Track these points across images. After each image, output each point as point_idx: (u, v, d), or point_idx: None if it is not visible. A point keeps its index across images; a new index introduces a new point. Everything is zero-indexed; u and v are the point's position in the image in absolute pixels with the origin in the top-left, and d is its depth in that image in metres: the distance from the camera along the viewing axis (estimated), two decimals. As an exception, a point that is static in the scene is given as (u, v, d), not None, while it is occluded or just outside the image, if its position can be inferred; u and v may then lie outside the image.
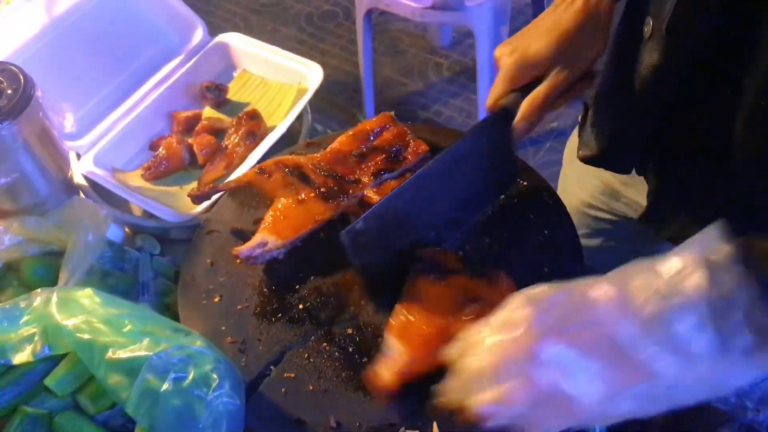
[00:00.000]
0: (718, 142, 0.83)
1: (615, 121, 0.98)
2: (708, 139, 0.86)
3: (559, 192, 1.30)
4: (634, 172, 1.02)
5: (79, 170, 1.25)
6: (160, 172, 1.30)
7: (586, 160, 1.03)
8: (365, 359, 0.87)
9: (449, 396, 0.69)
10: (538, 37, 0.94)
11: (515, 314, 0.66)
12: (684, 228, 0.93)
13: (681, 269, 0.61)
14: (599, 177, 1.17)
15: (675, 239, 0.94)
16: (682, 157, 0.92)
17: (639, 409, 0.64)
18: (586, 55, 0.94)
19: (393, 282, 0.91)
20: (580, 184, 1.24)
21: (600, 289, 0.64)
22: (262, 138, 1.28)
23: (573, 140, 1.29)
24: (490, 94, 0.98)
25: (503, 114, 0.96)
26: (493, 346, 0.66)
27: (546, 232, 0.99)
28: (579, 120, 1.07)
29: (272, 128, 1.30)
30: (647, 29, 0.84)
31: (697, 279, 0.60)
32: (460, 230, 1.01)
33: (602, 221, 1.23)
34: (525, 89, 0.95)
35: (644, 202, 0.99)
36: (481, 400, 0.65)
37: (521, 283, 0.90)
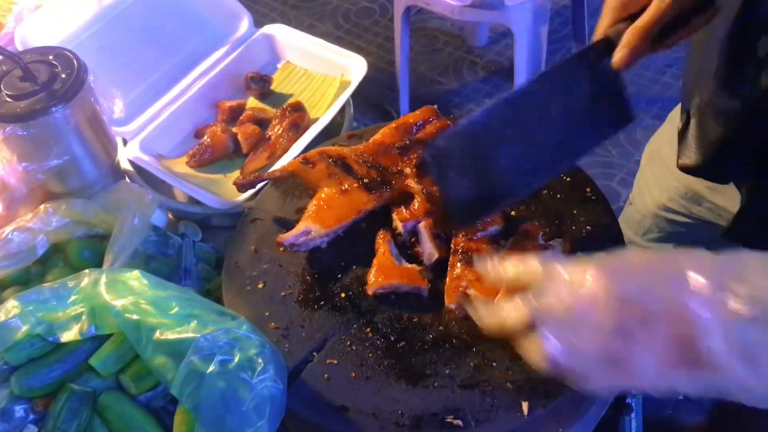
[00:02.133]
0: None
1: (723, 134, 0.94)
2: None
3: (635, 193, 1.29)
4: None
5: (126, 155, 1.27)
6: (204, 160, 1.31)
7: (687, 170, 1.00)
8: (407, 348, 0.87)
9: (509, 317, 0.69)
10: None
11: (607, 269, 0.65)
12: None
13: None
14: (682, 180, 1.15)
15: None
16: None
17: (695, 392, 0.63)
18: None
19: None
20: (659, 186, 1.22)
21: (699, 274, 0.61)
22: (305, 129, 1.29)
23: (653, 143, 1.28)
24: (597, 27, 0.91)
25: (605, 44, 0.87)
26: (578, 291, 0.65)
27: (588, 228, 0.98)
28: (679, 128, 1.04)
29: (315, 120, 1.31)
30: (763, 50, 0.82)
31: None
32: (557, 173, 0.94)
33: (679, 225, 1.21)
34: (633, 18, 0.86)
35: (731, 208, 0.96)
36: (553, 339, 0.65)
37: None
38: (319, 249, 1.00)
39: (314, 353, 0.89)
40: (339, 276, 0.97)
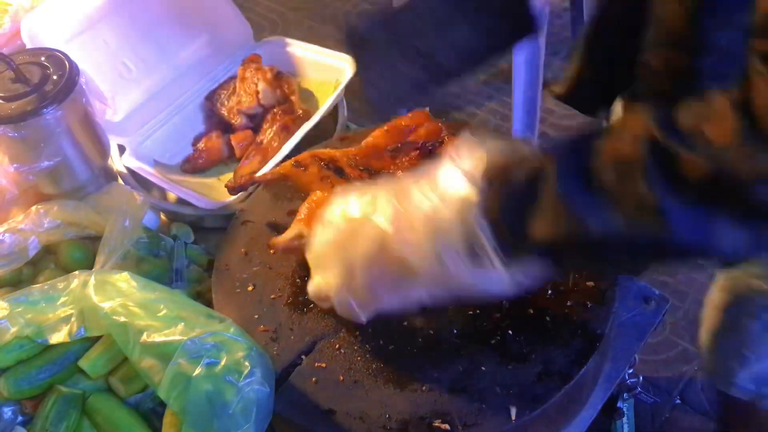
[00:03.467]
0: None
1: (579, 61, 0.98)
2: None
3: None
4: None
5: (123, 163, 1.27)
6: (199, 165, 1.32)
7: (558, 98, 1.02)
8: (396, 352, 0.87)
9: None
10: None
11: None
12: None
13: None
14: None
15: None
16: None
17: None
18: None
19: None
20: None
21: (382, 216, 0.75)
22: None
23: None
24: None
25: None
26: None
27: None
28: None
29: (307, 118, 1.31)
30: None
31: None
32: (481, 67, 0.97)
33: None
34: None
35: None
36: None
37: (550, 281, 0.91)
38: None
39: (303, 356, 0.88)
40: (329, 279, 0.97)
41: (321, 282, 0.83)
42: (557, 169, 0.66)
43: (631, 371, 1.03)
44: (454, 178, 0.72)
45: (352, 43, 0.86)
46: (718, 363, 1.33)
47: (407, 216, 0.74)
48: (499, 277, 0.71)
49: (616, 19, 0.91)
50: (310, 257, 0.85)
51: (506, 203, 0.69)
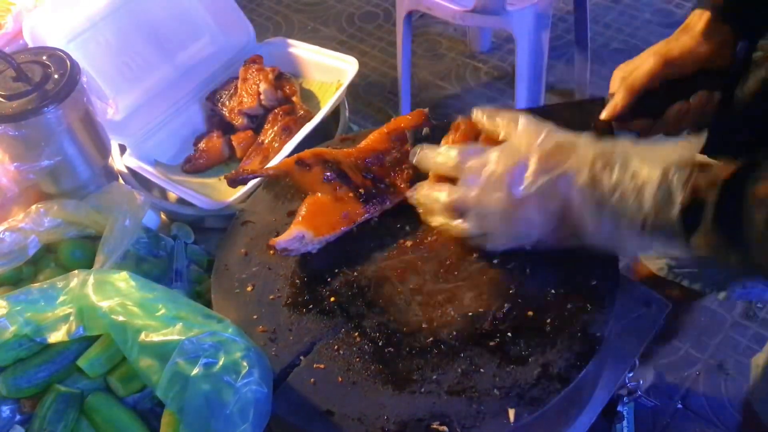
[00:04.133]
0: None
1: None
2: None
3: None
4: None
5: (124, 163, 1.27)
6: (200, 165, 1.32)
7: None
8: (395, 354, 0.87)
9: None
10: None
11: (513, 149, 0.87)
12: None
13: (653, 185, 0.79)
14: None
15: None
16: None
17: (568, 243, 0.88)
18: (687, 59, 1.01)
19: None
20: None
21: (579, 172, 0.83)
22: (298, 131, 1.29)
23: None
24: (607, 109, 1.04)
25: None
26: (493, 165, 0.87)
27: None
28: None
29: (308, 119, 1.31)
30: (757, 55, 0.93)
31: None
32: None
33: None
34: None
35: None
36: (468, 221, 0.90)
37: (550, 283, 0.90)
38: (309, 252, 0.99)
39: (301, 357, 0.88)
40: (329, 280, 0.96)
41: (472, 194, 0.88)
42: (716, 200, 0.75)
43: (631, 375, 1.02)
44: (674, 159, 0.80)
45: None
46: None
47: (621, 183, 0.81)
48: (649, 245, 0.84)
49: None
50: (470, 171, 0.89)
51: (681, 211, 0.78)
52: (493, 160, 0.87)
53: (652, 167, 0.80)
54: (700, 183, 0.77)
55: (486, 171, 0.87)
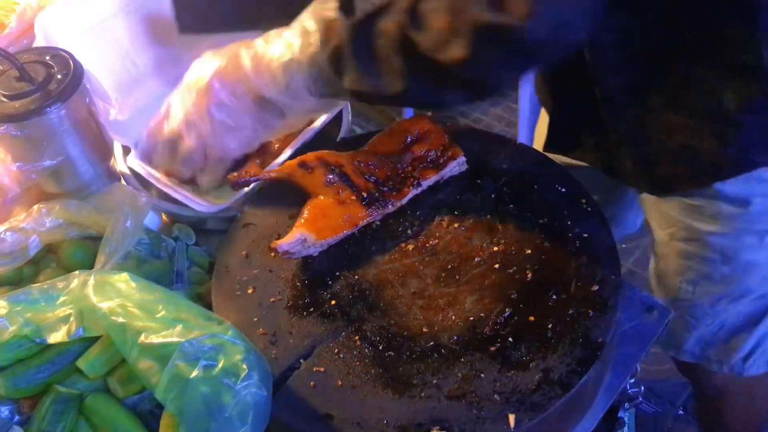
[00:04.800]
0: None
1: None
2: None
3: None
4: None
5: (127, 164, 1.27)
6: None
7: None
8: (395, 358, 0.87)
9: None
10: None
11: (194, 80, 1.05)
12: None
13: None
14: None
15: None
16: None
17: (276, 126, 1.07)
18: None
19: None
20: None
21: (247, 55, 1.00)
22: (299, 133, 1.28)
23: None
24: None
25: None
26: (184, 106, 1.05)
27: (585, 236, 0.97)
28: None
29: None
30: None
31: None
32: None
33: None
34: None
35: None
36: (182, 147, 1.08)
37: (552, 288, 0.90)
38: (310, 255, 0.99)
39: (301, 360, 0.88)
40: (329, 283, 0.96)
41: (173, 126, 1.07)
42: (353, 41, 0.89)
43: (632, 381, 1.02)
44: (301, 34, 0.97)
45: None
46: (667, 332, 1.34)
47: (265, 59, 0.98)
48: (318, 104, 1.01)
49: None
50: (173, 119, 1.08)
51: (329, 59, 0.92)
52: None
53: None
54: (335, 25, 0.92)
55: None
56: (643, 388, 1.03)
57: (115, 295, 0.87)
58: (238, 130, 1.04)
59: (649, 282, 1.35)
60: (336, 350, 0.88)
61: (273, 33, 1.01)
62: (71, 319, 0.89)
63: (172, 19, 1.36)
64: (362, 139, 1.13)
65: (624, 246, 2.32)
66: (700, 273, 1.21)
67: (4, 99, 1.04)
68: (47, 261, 1.11)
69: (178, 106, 1.06)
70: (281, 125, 1.06)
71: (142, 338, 0.82)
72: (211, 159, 1.07)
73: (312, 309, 0.93)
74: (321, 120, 1.29)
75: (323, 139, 1.27)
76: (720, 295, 1.22)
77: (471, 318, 0.89)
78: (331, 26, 0.93)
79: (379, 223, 1.02)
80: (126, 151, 1.30)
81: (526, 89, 2.48)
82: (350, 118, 1.35)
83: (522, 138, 2.55)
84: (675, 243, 1.22)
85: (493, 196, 1.04)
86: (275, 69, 0.97)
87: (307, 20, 0.96)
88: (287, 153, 1.23)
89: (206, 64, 1.04)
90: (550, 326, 0.87)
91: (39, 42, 1.22)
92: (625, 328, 1.00)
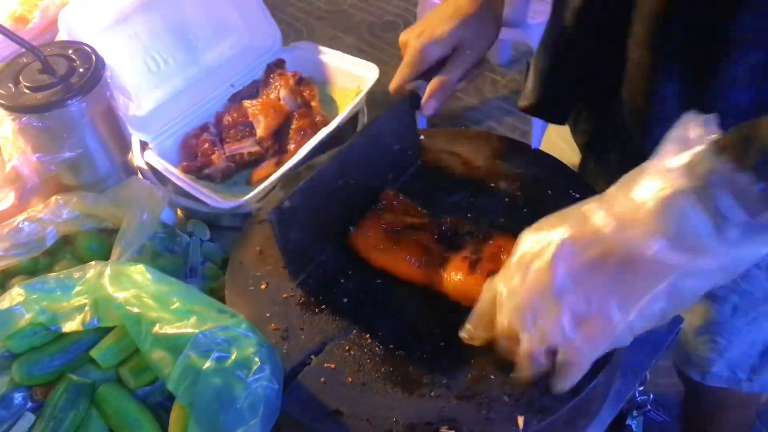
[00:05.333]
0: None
1: (549, 65, 1.03)
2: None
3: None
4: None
5: (144, 159, 1.29)
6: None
7: (526, 110, 1.10)
8: (406, 356, 0.87)
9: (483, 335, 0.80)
10: (441, 22, 1.03)
11: (529, 255, 0.73)
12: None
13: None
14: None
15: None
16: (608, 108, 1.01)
17: (667, 311, 0.68)
18: (483, 40, 1.04)
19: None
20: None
21: (598, 214, 0.69)
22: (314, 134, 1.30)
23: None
24: (394, 80, 1.05)
25: (412, 97, 1.03)
26: (518, 290, 0.72)
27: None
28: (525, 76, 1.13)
29: (325, 124, 1.32)
30: None
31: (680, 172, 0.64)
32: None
33: None
34: (427, 76, 1.03)
35: None
36: (522, 345, 0.73)
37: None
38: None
39: (312, 356, 0.88)
40: (342, 281, 0.97)
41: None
42: None
43: (641, 388, 1.02)
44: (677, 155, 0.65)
45: (280, 219, 0.91)
46: (691, 354, 1.32)
47: (622, 209, 0.67)
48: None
49: (595, 25, 0.95)
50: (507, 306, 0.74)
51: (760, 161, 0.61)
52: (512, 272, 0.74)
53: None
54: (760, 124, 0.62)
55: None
56: (651, 396, 1.03)
57: (131, 285, 0.88)
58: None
59: None
60: (347, 347, 0.89)
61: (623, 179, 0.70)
62: (86, 308, 0.90)
63: (189, 17, 1.38)
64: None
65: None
66: (740, 292, 1.14)
67: (26, 90, 1.06)
68: (63, 252, 1.12)
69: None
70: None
71: (156, 329, 0.83)
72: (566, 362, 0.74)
73: (324, 306, 0.94)
74: (337, 120, 1.30)
75: (339, 142, 1.28)
76: (758, 312, 1.17)
77: (482, 320, 0.89)
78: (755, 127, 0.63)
79: (392, 223, 1.03)
80: (144, 145, 1.32)
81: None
82: (365, 120, 1.37)
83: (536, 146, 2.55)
84: None
85: (506, 200, 1.04)
86: (649, 210, 0.65)
87: (674, 148, 0.67)
88: (304, 151, 1.24)
89: (545, 234, 0.74)
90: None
91: (62, 36, 1.25)
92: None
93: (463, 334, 0.83)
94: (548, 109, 1.11)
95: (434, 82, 1.01)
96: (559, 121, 1.16)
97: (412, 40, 1.04)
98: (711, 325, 1.22)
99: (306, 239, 0.96)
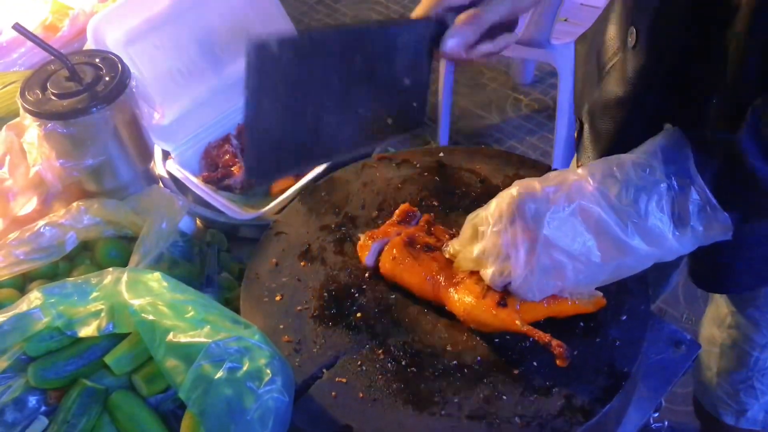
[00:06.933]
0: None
1: (612, 128, 1.01)
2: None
3: None
4: None
5: (166, 169, 1.30)
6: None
7: None
8: (418, 374, 0.87)
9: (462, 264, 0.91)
10: None
11: (510, 205, 0.85)
12: None
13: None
14: None
15: None
16: None
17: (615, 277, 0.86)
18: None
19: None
20: None
21: (583, 181, 0.84)
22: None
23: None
24: (420, 5, 0.92)
25: (437, 23, 0.89)
26: (497, 232, 0.85)
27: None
28: (575, 136, 1.12)
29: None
30: (631, 38, 0.91)
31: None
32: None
33: None
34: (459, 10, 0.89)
35: None
36: (490, 272, 0.86)
37: (579, 315, 0.89)
38: (339, 267, 1.00)
39: (324, 370, 0.88)
40: (356, 296, 0.97)
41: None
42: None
43: (656, 415, 1.00)
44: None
45: (259, 56, 0.78)
46: (723, 396, 1.31)
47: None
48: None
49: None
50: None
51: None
52: (492, 204, 0.87)
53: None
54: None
55: (491, 213, 0.86)
56: (667, 423, 1.02)
57: (147, 293, 0.88)
58: None
59: (702, 359, 1.32)
60: (359, 362, 0.89)
61: None
62: (102, 314, 0.90)
63: (215, 28, 1.39)
64: (398, 157, 1.14)
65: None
66: None
67: (53, 97, 1.07)
68: (82, 257, 1.13)
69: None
70: None
71: (170, 337, 0.83)
72: None
73: (338, 320, 0.94)
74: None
75: (359, 154, 1.28)
76: None
77: (496, 339, 0.89)
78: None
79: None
80: (165, 155, 1.33)
81: (564, 117, 2.48)
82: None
83: (556, 167, 2.54)
84: (742, 313, 1.18)
85: (524, 219, 1.04)
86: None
87: None
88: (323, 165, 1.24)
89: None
90: (575, 353, 0.86)
91: (90, 45, 1.26)
92: (652, 361, 0.98)
93: (447, 248, 0.94)
94: None
95: (464, 14, 0.89)
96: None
97: None
98: (750, 371, 1.22)
99: (276, 127, 0.84)
